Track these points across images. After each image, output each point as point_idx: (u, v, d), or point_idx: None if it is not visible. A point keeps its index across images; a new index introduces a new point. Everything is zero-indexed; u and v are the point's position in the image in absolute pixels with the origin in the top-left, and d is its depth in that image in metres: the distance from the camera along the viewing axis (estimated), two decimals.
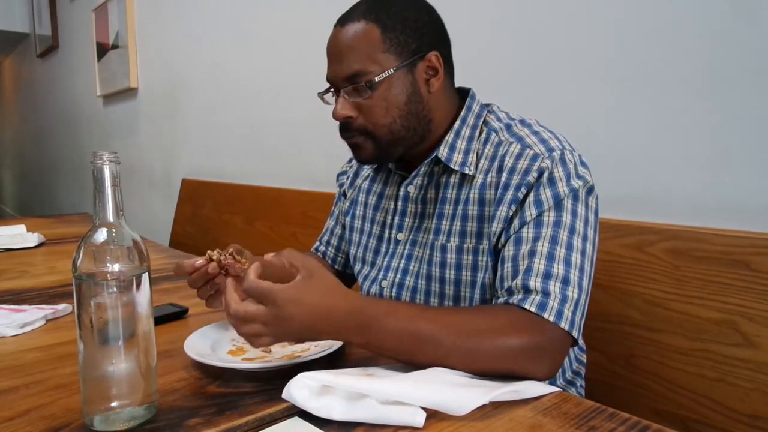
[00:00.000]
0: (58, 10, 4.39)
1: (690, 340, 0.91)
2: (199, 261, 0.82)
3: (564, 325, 0.68)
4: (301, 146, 1.94)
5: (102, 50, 3.44)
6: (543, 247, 0.73)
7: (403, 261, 0.89)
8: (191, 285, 0.84)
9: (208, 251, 0.82)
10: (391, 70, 0.79)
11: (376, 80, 0.79)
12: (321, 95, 0.87)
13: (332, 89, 0.84)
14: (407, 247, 0.89)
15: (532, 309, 0.69)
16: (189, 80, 2.66)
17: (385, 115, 0.80)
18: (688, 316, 0.91)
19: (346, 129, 0.83)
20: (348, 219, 1.03)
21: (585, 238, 0.75)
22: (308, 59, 1.85)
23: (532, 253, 0.73)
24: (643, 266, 0.97)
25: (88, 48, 3.70)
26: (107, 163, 0.57)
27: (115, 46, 3.26)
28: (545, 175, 0.76)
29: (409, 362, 0.67)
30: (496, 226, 0.78)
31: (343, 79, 0.81)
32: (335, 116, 0.82)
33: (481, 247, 0.81)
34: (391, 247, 0.92)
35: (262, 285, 0.64)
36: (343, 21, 0.81)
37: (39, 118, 5.35)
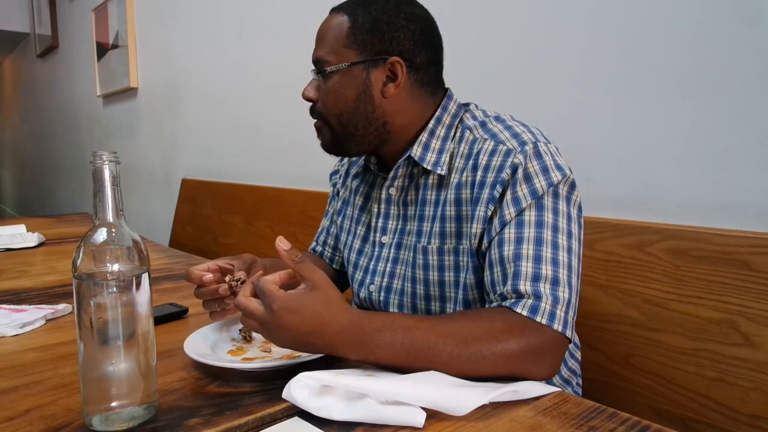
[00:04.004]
0: (58, 10, 4.39)
1: (690, 340, 0.91)
2: (207, 276, 0.81)
3: (557, 326, 0.68)
4: (301, 146, 1.94)
5: (102, 50, 3.44)
6: (528, 249, 0.72)
7: (389, 264, 0.89)
8: (197, 296, 0.84)
9: (227, 277, 0.81)
10: (345, 64, 0.81)
11: (328, 70, 0.82)
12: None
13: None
14: (392, 250, 0.89)
15: (524, 313, 0.69)
16: (189, 80, 2.66)
17: (335, 106, 0.84)
18: (688, 316, 0.91)
19: (311, 110, 0.87)
20: (339, 219, 1.03)
21: (570, 235, 0.74)
22: (308, 59, 1.85)
23: (518, 256, 0.72)
24: (643, 266, 0.97)
25: (88, 48, 3.70)
26: (107, 162, 0.57)
27: (115, 46, 3.26)
28: (519, 171, 0.75)
29: (408, 371, 0.66)
30: (476, 227, 0.78)
31: (313, 62, 0.85)
32: (302, 96, 0.86)
33: (461, 247, 0.81)
34: (376, 250, 0.92)
35: (266, 287, 0.64)
36: (332, 9, 0.86)
37: (39, 118, 5.35)
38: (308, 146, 1.90)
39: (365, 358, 0.65)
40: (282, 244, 0.67)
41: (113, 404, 0.58)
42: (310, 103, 0.87)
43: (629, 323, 0.98)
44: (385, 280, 0.89)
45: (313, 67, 0.85)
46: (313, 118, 0.88)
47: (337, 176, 1.07)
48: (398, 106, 0.84)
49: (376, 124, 0.84)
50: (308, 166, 1.90)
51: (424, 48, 0.83)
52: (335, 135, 0.85)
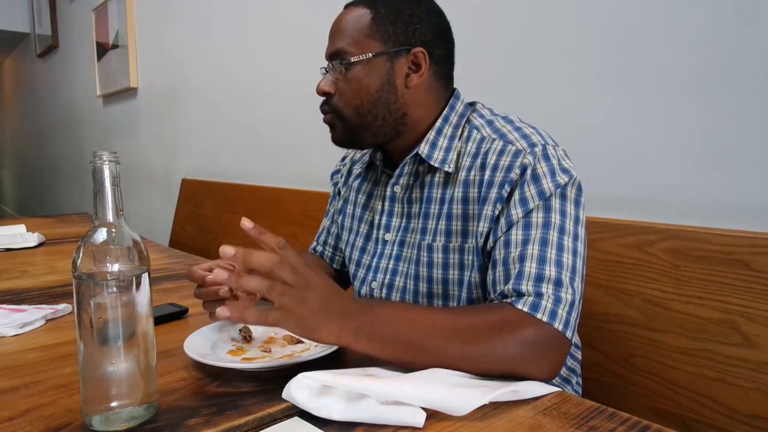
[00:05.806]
0: (58, 10, 4.39)
1: (690, 339, 0.91)
2: (210, 276, 0.80)
3: (558, 325, 0.68)
4: (301, 146, 1.94)
5: (102, 50, 3.44)
6: (533, 250, 0.72)
7: (392, 262, 0.90)
8: (197, 296, 0.83)
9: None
10: (369, 54, 0.81)
11: (352, 60, 0.82)
12: (322, 69, 0.88)
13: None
14: (395, 247, 0.90)
15: (525, 309, 0.69)
16: (189, 80, 2.66)
17: (355, 97, 0.83)
18: (688, 316, 0.91)
19: (324, 104, 0.87)
20: (341, 218, 1.03)
21: (576, 237, 0.75)
22: (308, 59, 1.85)
23: (522, 257, 0.72)
24: (643, 266, 0.97)
25: (88, 48, 3.70)
26: (107, 162, 0.57)
27: (115, 46, 3.26)
28: (528, 171, 0.76)
29: (407, 360, 0.66)
30: (483, 226, 0.78)
31: (329, 55, 0.84)
32: (317, 90, 0.85)
33: (466, 245, 0.81)
34: (379, 247, 0.92)
35: (290, 256, 0.62)
36: (347, 4, 0.86)
37: (39, 118, 5.35)
38: (308, 146, 1.90)
39: (370, 330, 0.64)
40: (246, 222, 0.65)
41: (113, 404, 0.58)
42: (322, 99, 0.86)
43: (629, 323, 0.98)
44: (387, 277, 0.89)
45: (327, 63, 0.85)
46: (325, 113, 0.87)
47: (339, 175, 1.07)
48: (418, 98, 0.85)
49: (396, 115, 0.84)
50: (308, 166, 1.90)
51: (442, 42, 0.85)
52: (350, 127, 0.85)
